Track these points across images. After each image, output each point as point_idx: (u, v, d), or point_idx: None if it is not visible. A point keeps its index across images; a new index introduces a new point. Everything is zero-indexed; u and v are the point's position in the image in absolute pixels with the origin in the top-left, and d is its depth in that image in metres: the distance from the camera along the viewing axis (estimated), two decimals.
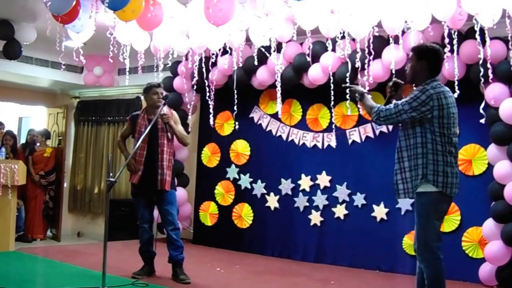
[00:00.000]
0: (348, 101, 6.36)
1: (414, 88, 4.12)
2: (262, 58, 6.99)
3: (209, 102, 7.20)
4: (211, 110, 7.24)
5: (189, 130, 8.14)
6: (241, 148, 8.13)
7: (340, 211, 7.17)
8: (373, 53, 5.95)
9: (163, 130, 5.71)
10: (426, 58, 4.11)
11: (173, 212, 5.78)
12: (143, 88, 5.96)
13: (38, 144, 9.55)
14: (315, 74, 6.83)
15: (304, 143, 7.54)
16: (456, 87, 5.26)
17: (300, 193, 7.53)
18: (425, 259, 3.99)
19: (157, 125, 5.67)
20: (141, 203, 5.83)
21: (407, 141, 4.09)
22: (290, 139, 7.68)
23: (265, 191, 7.86)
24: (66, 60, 6.60)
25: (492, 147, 5.90)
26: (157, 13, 6.00)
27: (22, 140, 10.25)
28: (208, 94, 7.14)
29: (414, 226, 6.43)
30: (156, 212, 5.93)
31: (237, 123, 7.43)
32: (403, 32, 5.82)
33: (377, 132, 6.97)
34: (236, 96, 7.01)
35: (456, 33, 5.49)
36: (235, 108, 7.09)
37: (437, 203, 4.00)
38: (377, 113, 4.14)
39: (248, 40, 6.62)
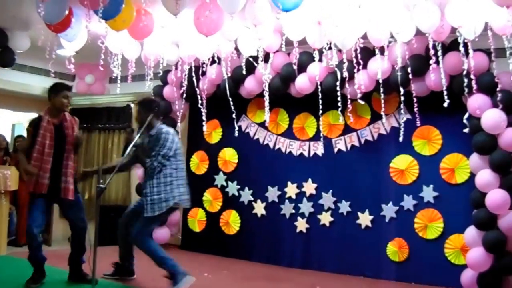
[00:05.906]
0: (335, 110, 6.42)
1: None
2: (250, 68, 7.00)
3: (202, 110, 7.28)
4: (203, 118, 7.34)
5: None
6: (229, 156, 8.21)
7: (325, 218, 7.24)
8: (361, 63, 6.03)
9: (71, 139, 5.61)
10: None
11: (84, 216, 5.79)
12: (50, 87, 5.61)
13: None
14: (302, 84, 6.92)
15: (290, 152, 7.61)
16: (446, 97, 5.38)
17: (287, 201, 7.59)
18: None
19: (64, 132, 5.56)
20: (40, 206, 5.42)
21: None
22: (277, 147, 7.75)
23: (252, 198, 7.92)
24: (58, 68, 6.66)
25: (474, 156, 5.95)
26: (148, 23, 6.08)
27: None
28: (200, 102, 7.23)
29: (398, 233, 6.63)
30: None
31: (238, 123, 7.27)
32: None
33: (363, 140, 7.05)
34: (226, 105, 7.08)
35: (440, 45, 5.58)
36: (233, 116, 7.17)
37: None
38: None
39: (236, 50, 6.67)
